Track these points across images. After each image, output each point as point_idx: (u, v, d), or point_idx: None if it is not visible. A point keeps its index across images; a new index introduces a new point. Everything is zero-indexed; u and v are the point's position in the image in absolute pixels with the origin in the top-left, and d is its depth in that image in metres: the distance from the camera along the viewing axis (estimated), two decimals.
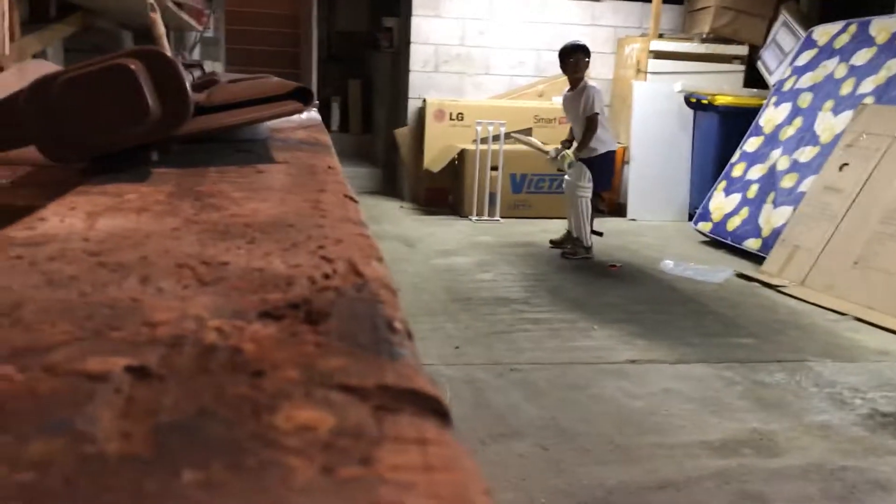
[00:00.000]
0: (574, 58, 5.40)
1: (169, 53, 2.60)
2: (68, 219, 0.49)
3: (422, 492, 0.21)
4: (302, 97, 0.89)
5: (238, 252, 0.45)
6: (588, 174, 5.41)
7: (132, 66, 0.62)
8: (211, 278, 0.39)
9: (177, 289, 0.37)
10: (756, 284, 5.06)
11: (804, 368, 3.65)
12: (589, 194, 5.46)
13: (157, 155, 0.73)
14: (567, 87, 5.58)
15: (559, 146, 5.64)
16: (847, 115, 5.48)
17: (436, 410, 0.27)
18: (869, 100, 5.41)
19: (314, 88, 8.89)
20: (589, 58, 5.46)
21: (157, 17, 2.54)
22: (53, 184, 0.69)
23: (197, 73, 1.86)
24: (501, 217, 6.83)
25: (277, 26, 9.96)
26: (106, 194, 0.58)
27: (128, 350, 0.29)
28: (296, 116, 1.40)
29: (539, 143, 5.97)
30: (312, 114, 1.46)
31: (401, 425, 0.25)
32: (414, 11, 7.26)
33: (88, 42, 3.88)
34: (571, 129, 5.61)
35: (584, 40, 7.35)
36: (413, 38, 7.31)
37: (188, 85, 0.67)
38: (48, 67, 1.57)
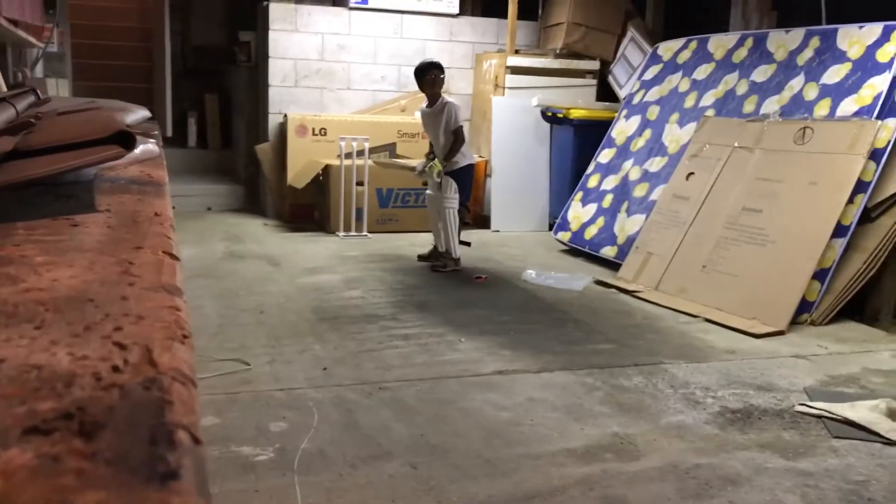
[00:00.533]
0: (430, 75, 5.50)
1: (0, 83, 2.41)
2: None
3: None
4: (124, 141, 0.84)
5: (20, 343, 0.41)
6: (455, 186, 5.50)
7: None
8: None
9: None
10: (614, 290, 5.26)
11: (660, 371, 3.82)
12: (456, 205, 5.55)
13: None
14: (425, 103, 5.67)
15: (423, 160, 5.71)
16: (691, 126, 5.81)
17: None
18: (710, 112, 5.75)
19: (168, 103, 8.58)
20: (443, 74, 5.58)
21: None
22: None
23: (25, 102, 1.74)
24: (369, 232, 6.81)
25: (129, 40, 9.56)
26: None
27: None
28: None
29: (402, 162, 6.02)
30: (149, 146, 1.40)
31: None
32: (271, 26, 7.14)
33: None
34: (431, 144, 5.70)
35: (443, 56, 7.48)
36: (272, 52, 7.19)
37: None
38: None
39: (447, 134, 5.48)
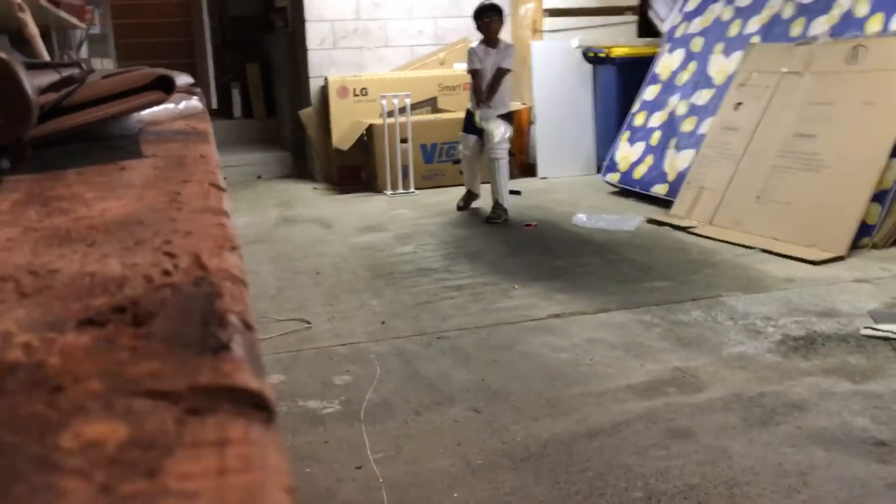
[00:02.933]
0: (486, 18, 5.44)
1: (43, 56, 2.47)
2: None
3: (207, 499, 0.20)
4: (164, 86, 0.85)
5: (72, 258, 0.42)
6: (505, 132, 5.44)
7: None
8: (34, 289, 0.37)
9: None
10: (667, 228, 5.20)
11: (719, 304, 3.77)
12: (506, 155, 5.51)
13: (7, 162, 0.69)
14: (478, 41, 5.61)
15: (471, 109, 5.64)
16: (737, 55, 5.64)
17: (257, 405, 0.25)
18: (756, 39, 5.57)
19: (210, 75, 8.66)
20: (501, 15, 5.49)
21: (26, 17, 2.41)
22: None
23: (70, 70, 1.78)
24: (416, 189, 6.81)
25: (168, 16, 9.63)
26: None
27: None
28: (174, 107, 1.35)
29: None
30: (193, 102, 1.41)
31: (203, 428, 0.24)
32: None
33: None
34: (474, 96, 5.62)
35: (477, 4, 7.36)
36: (307, 15, 7.17)
37: (27, 84, 0.63)
38: None
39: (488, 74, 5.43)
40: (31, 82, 0.69)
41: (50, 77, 1.16)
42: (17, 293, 0.36)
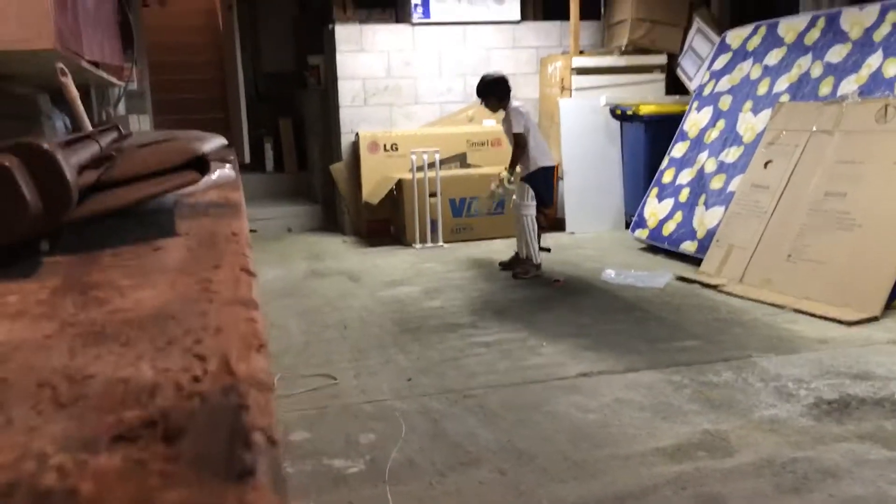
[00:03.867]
0: (485, 99, 5.57)
1: (83, 118, 2.54)
2: None
3: None
4: (199, 167, 0.88)
5: (108, 359, 0.44)
6: (530, 192, 5.49)
7: (7, 164, 0.61)
8: (70, 398, 0.38)
9: (30, 416, 0.36)
10: (696, 286, 5.16)
11: (749, 364, 3.72)
12: (532, 212, 5.54)
13: (46, 245, 0.72)
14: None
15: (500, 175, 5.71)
16: (766, 113, 5.65)
17: None
18: (785, 97, 5.59)
19: (244, 130, 8.85)
20: (499, 92, 5.52)
21: (67, 80, 2.49)
22: None
23: (109, 137, 1.83)
24: (445, 242, 6.85)
25: (204, 73, 9.90)
26: None
27: None
28: (207, 177, 1.39)
29: (492, 187, 5.92)
30: (226, 171, 1.45)
31: None
32: (338, 48, 7.28)
33: (4, 108, 3.79)
34: None
35: (507, 62, 7.50)
36: (340, 73, 7.33)
37: (69, 174, 0.66)
38: None
39: (511, 139, 5.51)
40: (72, 166, 0.72)
41: (90, 150, 1.21)
42: (53, 403, 0.38)
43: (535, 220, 5.56)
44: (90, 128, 2.67)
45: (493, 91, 5.53)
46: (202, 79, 9.80)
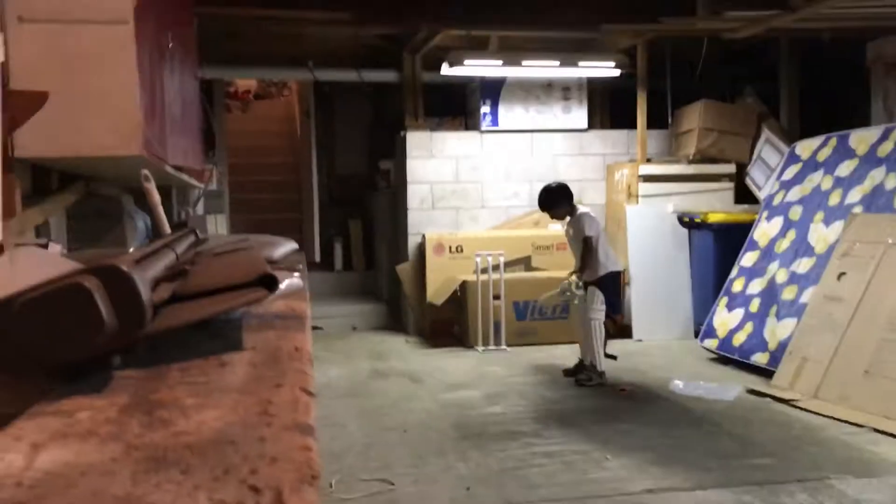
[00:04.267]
0: (551, 209, 5.66)
1: (163, 221, 2.66)
2: (10, 454, 0.50)
3: None
4: (267, 284, 0.92)
5: (167, 488, 0.46)
6: (601, 297, 5.45)
7: (87, 285, 0.65)
8: None
9: None
10: (768, 400, 4.98)
11: (826, 487, 3.54)
12: (601, 317, 5.49)
13: (119, 360, 0.75)
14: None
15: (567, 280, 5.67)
16: (838, 224, 5.56)
17: None
18: (858, 209, 5.50)
19: (315, 230, 9.10)
20: (566, 199, 5.61)
21: (151, 186, 2.63)
22: (23, 394, 0.70)
23: (185, 244, 1.91)
24: (508, 346, 6.81)
25: (280, 175, 10.29)
26: (59, 413, 0.60)
27: None
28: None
29: (556, 292, 5.90)
30: (294, 280, 1.50)
31: None
32: (409, 153, 7.51)
33: (91, 207, 4.00)
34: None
35: (573, 169, 7.60)
36: (410, 178, 7.53)
37: (144, 296, 0.70)
38: (39, 255, 1.62)
39: (578, 244, 5.50)
40: (147, 285, 0.76)
41: (165, 260, 1.27)
42: None
43: (602, 326, 5.50)
44: (168, 230, 2.79)
45: (561, 199, 5.59)
46: (278, 181, 10.17)
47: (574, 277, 5.50)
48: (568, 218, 5.66)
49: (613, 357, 5.70)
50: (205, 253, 1.59)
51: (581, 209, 5.59)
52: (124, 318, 0.68)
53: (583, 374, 5.56)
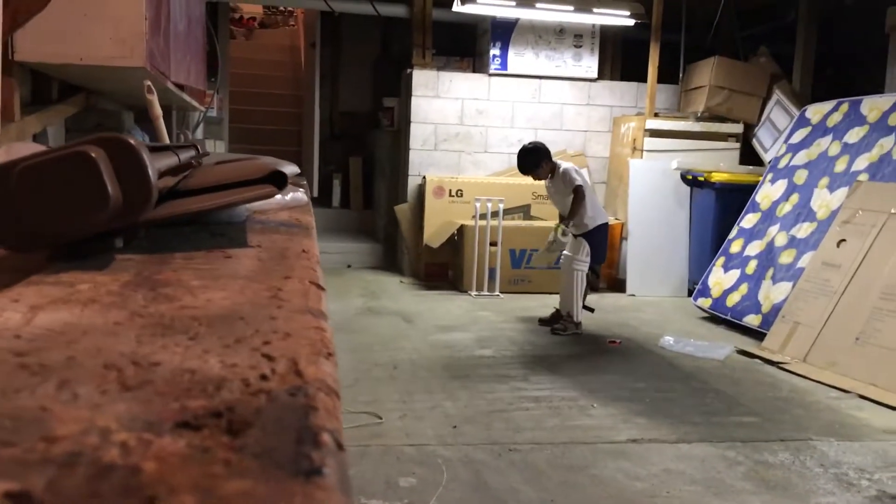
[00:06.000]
0: (535, 170, 5.50)
1: (164, 136, 2.61)
2: (7, 312, 0.47)
3: None
4: (276, 181, 0.88)
5: (175, 350, 0.43)
6: (587, 248, 5.43)
7: (92, 154, 0.61)
8: (136, 382, 0.37)
9: (94, 395, 0.35)
10: (757, 361, 5.00)
11: (808, 448, 3.57)
12: (585, 267, 5.47)
13: (121, 241, 0.72)
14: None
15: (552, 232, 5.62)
16: (842, 191, 5.52)
17: None
18: (863, 177, 5.45)
19: (315, 166, 9.01)
20: (545, 157, 5.49)
21: (153, 98, 2.57)
22: (22, 271, 0.67)
23: (188, 154, 1.87)
24: (501, 292, 6.81)
25: (282, 106, 10.16)
26: (59, 284, 0.57)
27: (14, 471, 0.27)
28: (280, 197, 1.40)
29: (544, 249, 5.87)
30: (299, 194, 1.46)
31: None
32: (414, 92, 7.39)
33: (90, 121, 3.93)
34: (560, 214, 5.63)
35: (579, 119, 7.51)
36: (413, 117, 7.43)
37: (151, 172, 0.66)
38: (35, 148, 1.58)
39: (565, 197, 5.44)
40: (154, 167, 0.73)
41: (169, 160, 1.22)
42: (119, 384, 0.37)
43: (585, 277, 5.49)
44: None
45: (543, 157, 5.48)
46: (280, 112, 10.05)
47: (562, 225, 5.43)
48: (550, 176, 5.56)
49: (591, 310, 5.69)
50: (207, 162, 1.55)
51: (563, 165, 5.51)
52: (129, 194, 0.65)
53: (559, 323, 5.57)
